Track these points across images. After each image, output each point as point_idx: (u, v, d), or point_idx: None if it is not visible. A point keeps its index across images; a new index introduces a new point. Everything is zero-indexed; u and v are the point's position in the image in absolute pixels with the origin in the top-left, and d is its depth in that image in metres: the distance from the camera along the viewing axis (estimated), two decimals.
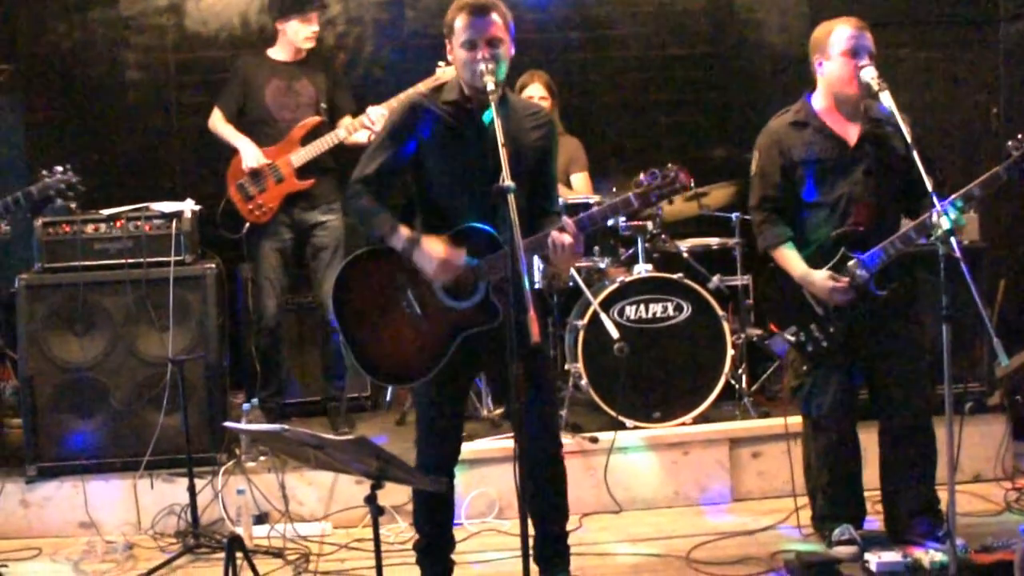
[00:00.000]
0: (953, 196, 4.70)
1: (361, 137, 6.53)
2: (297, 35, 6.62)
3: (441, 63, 6.45)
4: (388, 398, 7.26)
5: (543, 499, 4.65)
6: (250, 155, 6.53)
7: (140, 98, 7.78)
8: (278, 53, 6.74)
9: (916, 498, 5.17)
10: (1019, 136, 4.70)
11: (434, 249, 4.37)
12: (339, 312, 4.62)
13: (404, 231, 4.43)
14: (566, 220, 4.32)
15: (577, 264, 6.58)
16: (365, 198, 4.53)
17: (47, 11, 7.68)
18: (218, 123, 6.70)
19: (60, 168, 5.54)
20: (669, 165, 4.43)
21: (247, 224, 6.61)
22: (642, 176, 4.41)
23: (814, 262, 5.00)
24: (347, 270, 4.64)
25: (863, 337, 5.06)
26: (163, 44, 7.78)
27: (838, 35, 4.96)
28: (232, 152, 6.62)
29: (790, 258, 5.03)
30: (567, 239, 4.28)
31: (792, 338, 5.05)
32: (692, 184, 4.48)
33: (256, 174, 6.52)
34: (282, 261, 6.67)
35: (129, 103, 7.77)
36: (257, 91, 6.66)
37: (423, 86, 6.32)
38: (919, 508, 5.16)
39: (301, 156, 6.54)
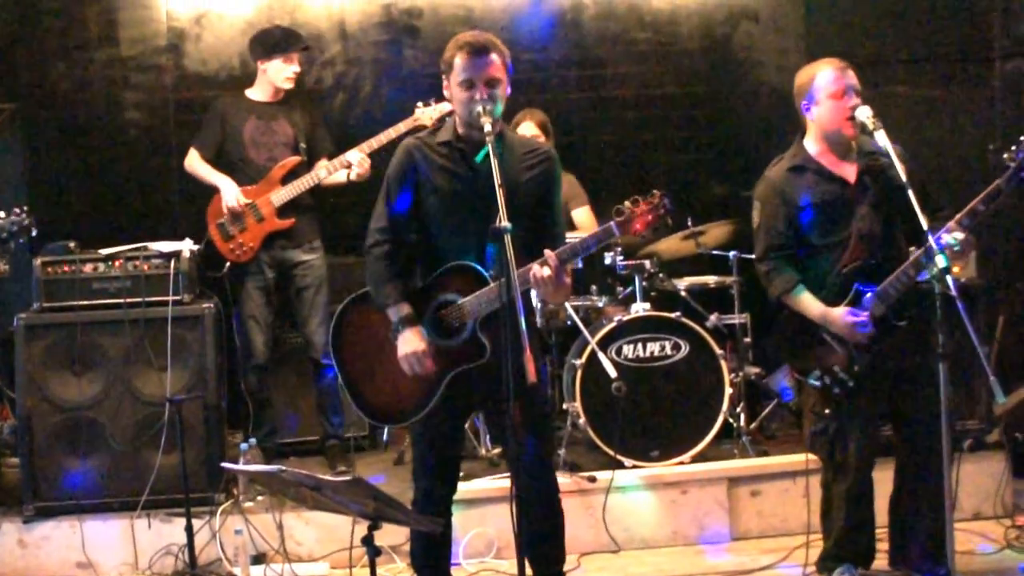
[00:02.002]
0: (959, 215, 4.70)
1: (341, 177, 6.60)
2: (279, 75, 6.67)
3: (420, 103, 6.59)
4: (385, 437, 7.25)
5: (539, 542, 4.62)
6: (230, 194, 6.54)
7: (139, 137, 7.81)
8: (257, 93, 6.78)
9: (926, 535, 5.10)
10: (1013, 147, 4.69)
11: (412, 342, 4.43)
12: (337, 356, 4.66)
13: (402, 310, 4.49)
14: (547, 253, 4.30)
15: (574, 303, 6.59)
16: (381, 262, 4.58)
17: (48, 51, 7.72)
18: (195, 163, 6.72)
19: (16, 210, 5.54)
20: (653, 192, 4.38)
21: (228, 263, 6.63)
22: (625, 204, 4.38)
23: (828, 302, 4.95)
24: (343, 315, 4.69)
25: (887, 372, 5.02)
26: (163, 84, 7.81)
27: (823, 79, 4.97)
28: (212, 191, 6.65)
29: (806, 301, 4.97)
30: (546, 272, 4.26)
31: (817, 383, 5.00)
32: (671, 208, 4.39)
33: (236, 214, 6.54)
34: (266, 299, 6.69)
35: (128, 142, 7.79)
36: (235, 131, 6.69)
37: (403, 126, 6.50)
38: (928, 546, 5.09)
39: (281, 195, 6.57)
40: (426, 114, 6.55)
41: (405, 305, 4.49)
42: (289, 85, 6.73)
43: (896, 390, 5.07)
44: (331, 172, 6.59)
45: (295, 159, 6.65)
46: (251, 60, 6.85)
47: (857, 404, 5.01)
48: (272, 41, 6.71)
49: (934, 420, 4.91)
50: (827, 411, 5.04)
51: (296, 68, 6.72)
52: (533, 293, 6.39)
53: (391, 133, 6.52)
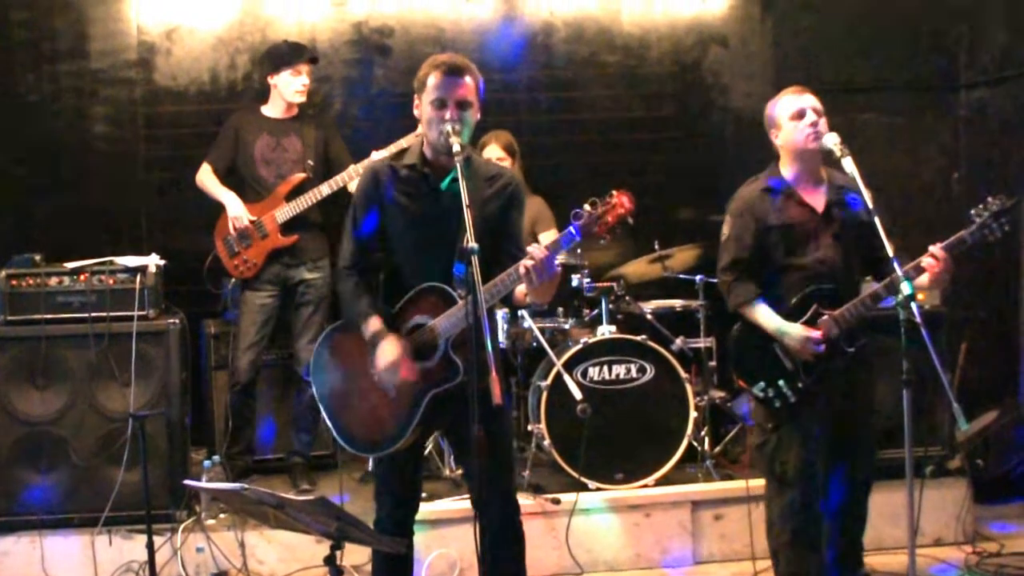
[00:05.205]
0: (917, 261, 4.76)
1: None
2: (288, 88, 6.69)
3: None
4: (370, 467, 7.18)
5: (500, 564, 4.60)
6: (236, 212, 6.56)
7: (108, 151, 7.76)
8: (270, 110, 6.80)
9: (839, 549, 5.18)
10: (980, 205, 4.77)
11: (388, 352, 4.40)
12: (319, 388, 4.64)
13: (372, 324, 4.47)
14: (531, 247, 4.25)
15: (540, 324, 6.58)
16: (350, 281, 4.59)
17: (16, 62, 7.67)
18: (205, 178, 6.73)
19: None
20: (612, 192, 4.32)
21: (232, 280, 6.63)
22: (584, 207, 4.28)
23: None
24: (322, 346, 4.68)
25: (831, 394, 5.07)
26: (132, 98, 7.77)
27: (782, 105, 5.11)
28: (220, 207, 6.65)
29: (763, 313, 5.04)
30: (537, 253, 4.19)
31: (760, 394, 5.05)
32: (632, 208, 4.31)
33: (242, 231, 6.53)
34: (264, 318, 6.68)
35: (97, 156, 7.75)
36: (247, 147, 6.70)
37: (405, 141, 6.42)
38: (840, 559, 5.18)
39: (285, 212, 6.58)
40: None
41: (376, 319, 4.48)
42: (300, 98, 6.75)
43: (831, 415, 5.11)
44: (340, 185, 6.57)
45: (300, 176, 6.66)
46: (263, 77, 6.88)
47: (798, 420, 5.06)
48: (279, 54, 6.75)
49: (861, 448, 5.05)
50: (769, 425, 5.11)
51: (305, 80, 6.74)
52: (499, 315, 6.43)
53: (396, 146, 6.47)
